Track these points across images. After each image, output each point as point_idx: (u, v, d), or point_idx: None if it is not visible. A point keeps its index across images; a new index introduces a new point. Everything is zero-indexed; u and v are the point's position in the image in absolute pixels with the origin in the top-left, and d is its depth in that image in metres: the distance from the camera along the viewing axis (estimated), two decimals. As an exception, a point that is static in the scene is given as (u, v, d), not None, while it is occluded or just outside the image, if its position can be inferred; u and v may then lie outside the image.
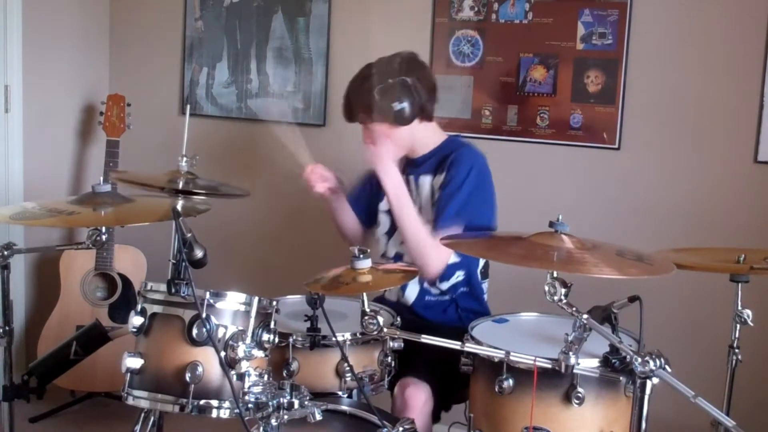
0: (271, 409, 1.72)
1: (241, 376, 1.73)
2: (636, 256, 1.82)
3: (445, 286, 2.48)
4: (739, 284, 2.13)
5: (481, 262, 2.53)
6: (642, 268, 1.76)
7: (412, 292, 2.51)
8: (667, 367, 1.54)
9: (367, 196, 2.63)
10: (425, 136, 2.48)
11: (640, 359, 1.54)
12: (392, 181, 2.35)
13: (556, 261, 1.68)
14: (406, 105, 2.36)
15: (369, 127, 2.42)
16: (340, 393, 2.10)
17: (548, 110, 3.09)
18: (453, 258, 2.45)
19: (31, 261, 3.72)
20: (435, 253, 2.30)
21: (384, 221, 2.56)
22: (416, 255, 2.33)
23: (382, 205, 2.56)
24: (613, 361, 1.71)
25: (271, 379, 1.80)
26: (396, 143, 2.43)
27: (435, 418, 2.26)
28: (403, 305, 2.48)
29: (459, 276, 2.48)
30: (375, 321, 1.84)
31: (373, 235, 2.61)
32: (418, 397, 2.16)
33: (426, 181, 2.47)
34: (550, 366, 1.73)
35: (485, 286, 2.56)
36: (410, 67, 2.41)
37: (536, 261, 1.71)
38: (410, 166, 2.52)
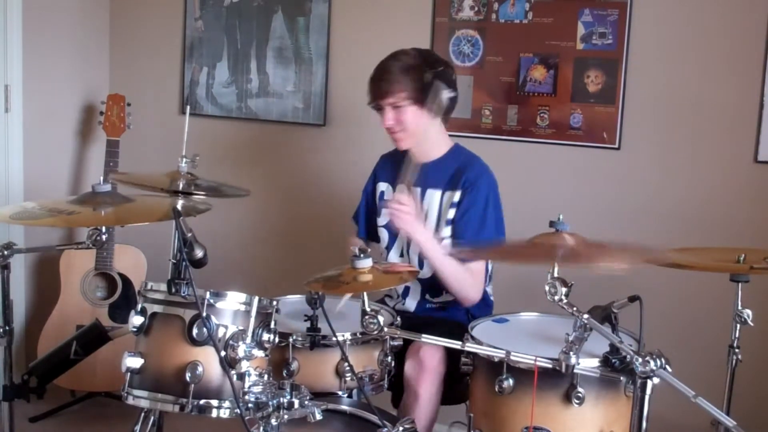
0: (271, 409, 1.72)
1: (241, 376, 1.73)
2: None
3: (449, 297, 2.48)
4: (739, 284, 2.13)
5: (489, 267, 2.53)
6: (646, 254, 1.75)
7: (411, 302, 2.52)
8: (667, 366, 1.54)
9: (368, 212, 2.64)
10: (437, 138, 2.48)
11: (640, 359, 1.54)
12: (425, 239, 2.33)
13: (561, 256, 1.67)
14: (454, 96, 2.38)
15: (400, 108, 2.38)
16: (340, 393, 2.10)
17: (548, 110, 3.08)
18: None
19: (31, 261, 3.72)
20: (473, 280, 2.36)
21: (383, 236, 2.56)
22: (457, 290, 2.36)
23: (380, 221, 2.57)
24: (614, 360, 1.71)
25: (271, 378, 1.80)
26: (416, 134, 2.42)
27: (444, 398, 2.25)
28: (402, 312, 2.48)
29: None
30: (375, 320, 1.85)
31: (376, 250, 2.59)
32: (433, 358, 2.17)
33: (435, 195, 2.45)
34: (550, 366, 1.73)
35: (490, 289, 2.56)
36: (449, 65, 2.44)
37: (541, 257, 1.70)
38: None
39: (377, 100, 2.40)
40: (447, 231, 2.43)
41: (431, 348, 2.17)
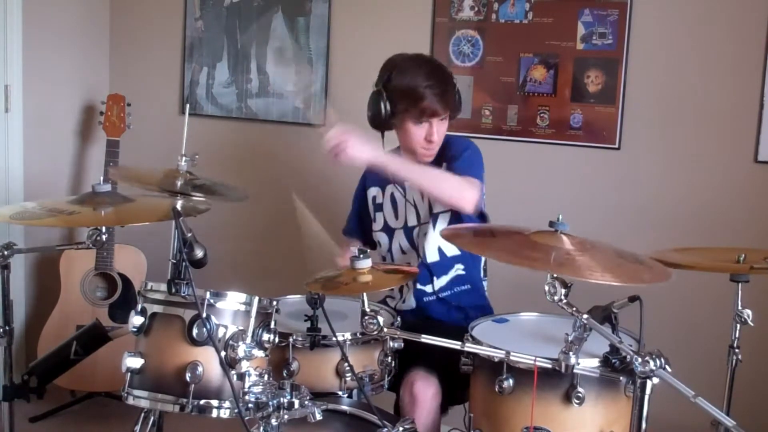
0: (271, 409, 1.72)
1: (241, 376, 1.73)
2: (635, 260, 1.80)
3: (443, 281, 2.47)
4: (739, 284, 2.13)
5: (483, 259, 2.53)
6: (641, 272, 1.75)
7: (409, 298, 2.52)
8: (667, 366, 1.54)
9: (360, 219, 2.65)
10: None
11: (640, 359, 1.54)
12: (382, 158, 2.23)
13: (553, 263, 1.67)
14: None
15: (443, 122, 2.38)
16: (340, 393, 2.10)
17: (548, 110, 3.09)
18: (454, 250, 2.45)
19: (31, 261, 3.72)
20: (466, 184, 2.24)
21: (383, 240, 2.56)
22: (448, 193, 2.24)
23: (376, 226, 2.57)
24: (613, 361, 1.71)
25: (271, 379, 1.80)
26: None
27: (442, 410, 2.25)
28: (404, 310, 2.48)
29: (458, 269, 2.47)
30: (375, 321, 1.84)
31: (374, 256, 2.59)
32: (427, 391, 2.16)
33: None
34: (550, 366, 1.73)
35: (485, 283, 2.56)
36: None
37: (534, 262, 1.70)
38: None
39: (439, 114, 2.35)
40: (441, 218, 2.42)
41: (424, 381, 2.16)
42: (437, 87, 2.32)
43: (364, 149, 2.17)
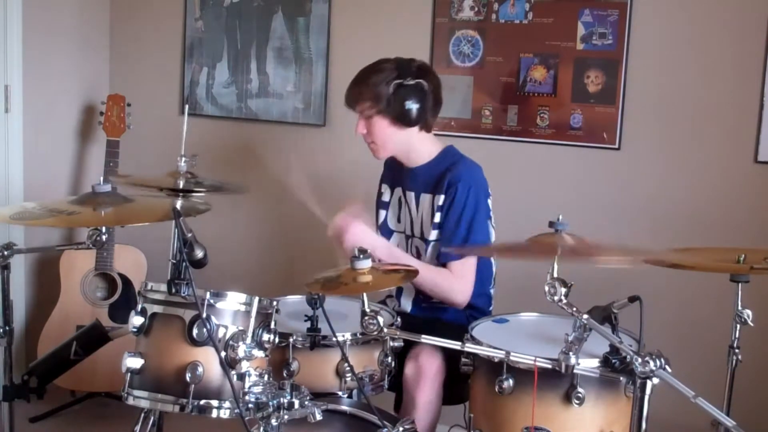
0: (271, 409, 1.72)
1: (241, 376, 1.73)
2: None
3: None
4: (739, 284, 2.13)
5: (493, 270, 2.53)
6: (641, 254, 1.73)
7: (406, 303, 2.52)
8: (667, 367, 1.54)
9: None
10: (422, 146, 2.47)
11: (640, 359, 1.54)
12: (382, 250, 2.31)
13: (560, 252, 1.67)
14: (415, 108, 2.36)
15: (369, 119, 2.40)
16: (340, 393, 2.10)
17: (548, 110, 3.08)
18: None
19: (31, 261, 3.72)
20: (457, 283, 2.33)
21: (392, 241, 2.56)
22: (439, 294, 2.36)
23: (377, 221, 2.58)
24: (614, 361, 1.71)
25: (271, 379, 1.80)
26: (389, 144, 2.43)
27: (445, 399, 2.24)
28: (400, 312, 2.48)
29: None
30: (375, 321, 1.84)
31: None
32: (432, 364, 2.17)
33: (426, 199, 2.45)
34: (550, 366, 1.73)
35: (493, 291, 2.55)
36: (428, 75, 2.42)
37: (542, 253, 1.69)
38: (410, 180, 2.50)
39: (348, 106, 2.44)
40: (434, 234, 2.42)
41: (430, 354, 2.17)
42: (354, 78, 2.43)
43: (362, 238, 2.27)
